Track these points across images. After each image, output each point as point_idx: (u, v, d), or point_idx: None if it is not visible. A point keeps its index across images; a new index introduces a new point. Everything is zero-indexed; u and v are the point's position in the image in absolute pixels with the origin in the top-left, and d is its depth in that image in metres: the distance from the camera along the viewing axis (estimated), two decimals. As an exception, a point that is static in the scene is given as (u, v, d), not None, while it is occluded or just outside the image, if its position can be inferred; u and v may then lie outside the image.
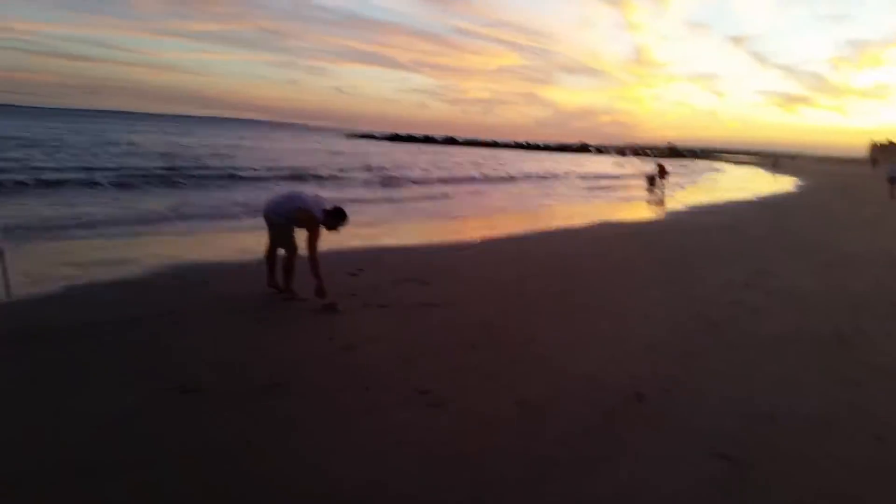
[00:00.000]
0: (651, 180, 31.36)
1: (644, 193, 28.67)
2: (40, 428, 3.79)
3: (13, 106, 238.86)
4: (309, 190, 7.97)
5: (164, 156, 30.77)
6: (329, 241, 7.22)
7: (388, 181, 26.73)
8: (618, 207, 21.86)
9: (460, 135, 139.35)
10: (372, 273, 8.54)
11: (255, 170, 26.51)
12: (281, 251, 7.14)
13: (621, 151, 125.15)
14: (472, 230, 13.87)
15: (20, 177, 17.45)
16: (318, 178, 26.09)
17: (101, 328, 5.64)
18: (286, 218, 6.89)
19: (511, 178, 34.91)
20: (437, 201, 20.86)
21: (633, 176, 43.06)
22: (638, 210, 21.27)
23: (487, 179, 32.84)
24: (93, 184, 18.15)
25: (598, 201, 24.22)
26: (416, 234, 12.83)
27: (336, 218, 6.88)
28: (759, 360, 5.68)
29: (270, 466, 3.45)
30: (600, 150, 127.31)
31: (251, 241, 9.85)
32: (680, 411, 4.41)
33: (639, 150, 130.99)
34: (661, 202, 24.10)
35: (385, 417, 4.07)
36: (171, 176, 21.17)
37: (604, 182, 37.54)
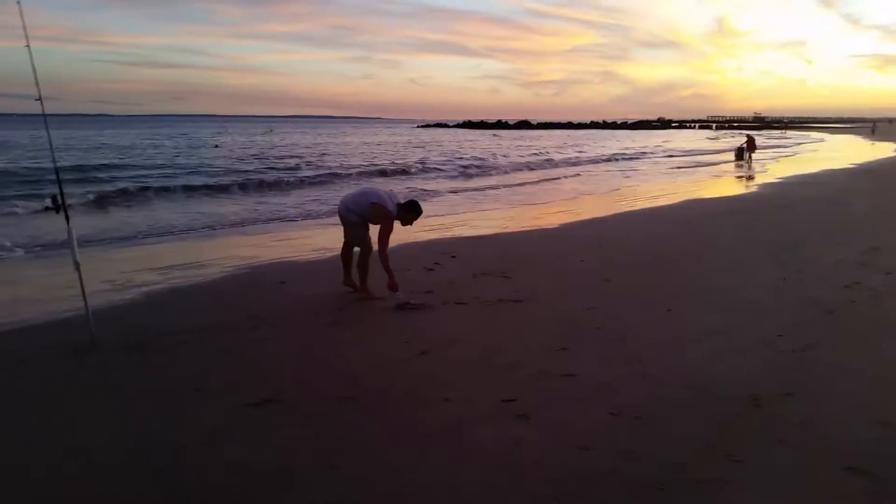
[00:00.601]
0: (739, 153, 30.04)
1: (732, 168, 27.37)
2: (113, 454, 3.61)
3: (107, 115, 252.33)
4: (382, 186, 7.75)
5: (246, 160, 31.42)
6: (406, 233, 6.94)
7: (463, 170, 26.30)
8: (705, 184, 20.74)
9: (534, 118, 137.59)
10: (449, 267, 8.20)
11: (332, 167, 26.58)
12: (356, 249, 6.93)
13: (706, 125, 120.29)
14: (552, 216, 13.32)
15: (107, 188, 17.94)
16: (389, 173, 25.89)
17: (179, 337, 5.52)
18: (359, 215, 6.65)
19: (590, 160, 33.88)
20: (512, 188, 20.34)
21: (720, 150, 41.17)
22: (727, 186, 20.15)
23: (565, 162, 31.94)
24: (174, 189, 18.59)
25: (684, 178, 23.09)
26: (492, 223, 12.42)
27: (409, 212, 6.62)
28: (890, 354, 4.98)
29: (346, 491, 3.14)
30: (683, 124, 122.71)
31: (328, 240, 9.70)
32: (804, 419, 3.82)
33: (724, 123, 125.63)
34: (750, 176, 22.93)
35: (466, 433, 3.69)
36: (254, 179, 21.37)
37: (689, 158, 35.99)
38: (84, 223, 12.58)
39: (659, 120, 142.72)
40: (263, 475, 3.28)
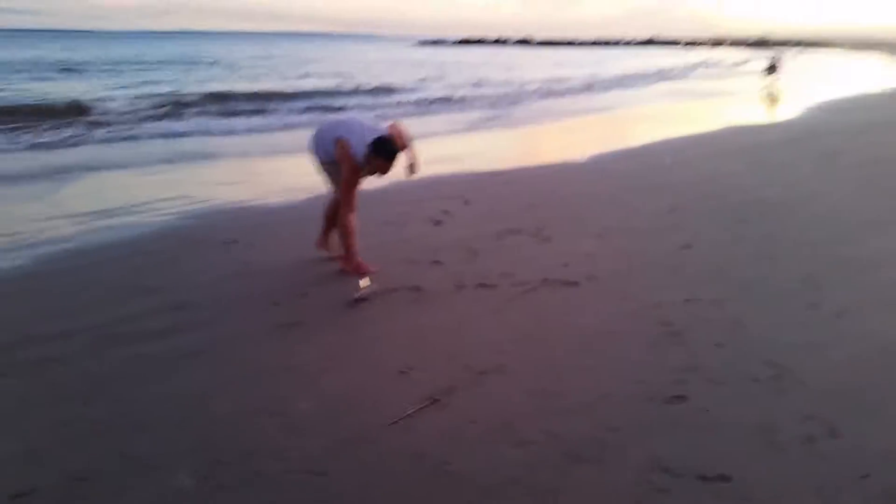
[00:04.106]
0: (770, 69, 27.53)
1: (757, 89, 24.83)
2: None
3: (93, 32, 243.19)
4: (368, 116, 5.45)
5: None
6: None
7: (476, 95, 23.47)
8: (738, 106, 18.27)
9: (532, 35, 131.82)
10: (463, 218, 6.05)
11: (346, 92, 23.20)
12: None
13: (716, 43, 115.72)
14: (575, 145, 10.95)
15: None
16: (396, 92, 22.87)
17: (41, 350, 3.44)
18: (328, 153, 4.43)
19: (610, 80, 30.95)
20: (530, 112, 17.85)
21: (735, 73, 38.41)
22: (765, 109, 17.71)
23: (584, 85, 29.08)
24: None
25: (710, 99, 20.62)
26: (508, 153, 10.15)
27: (375, 154, 4.24)
28: None
29: None
30: (690, 44, 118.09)
31: (310, 174, 7.50)
32: None
33: (730, 44, 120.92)
34: (775, 97, 20.65)
35: None
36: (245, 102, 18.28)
37: (704, 79, 33.24)
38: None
39: (651, 40, 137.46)
40: None
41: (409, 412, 2.75)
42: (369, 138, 4.27)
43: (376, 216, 5.91)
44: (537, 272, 4.51)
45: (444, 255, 4.93)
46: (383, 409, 2.81)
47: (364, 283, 4.22)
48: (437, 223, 5.88)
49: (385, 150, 4.24)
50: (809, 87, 25.82)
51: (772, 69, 27.27)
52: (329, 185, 4.71)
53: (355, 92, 20.10)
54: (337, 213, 4.68)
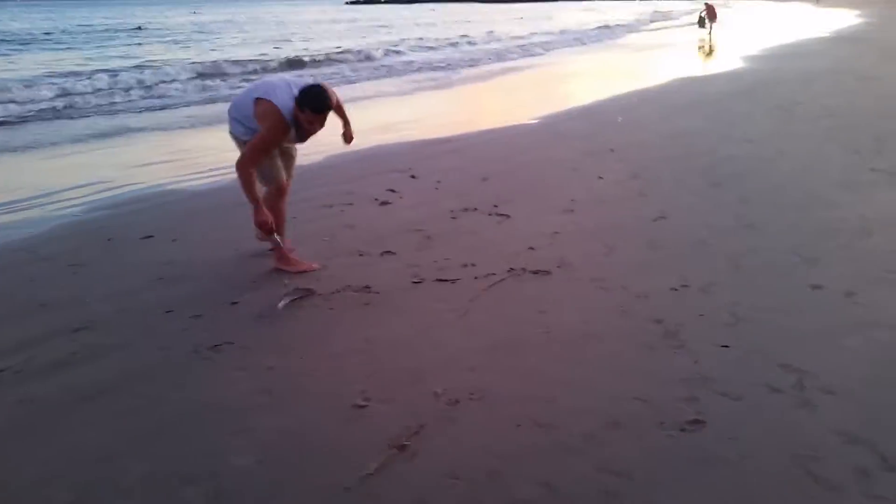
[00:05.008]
0: (701, 22, 27.43)
1: (695, 40, 24.73)
2: None
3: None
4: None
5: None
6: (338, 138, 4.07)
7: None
8: (679, 59, 17.99)
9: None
10: (412, 195, 5.46)
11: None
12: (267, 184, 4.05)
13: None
14: (520, 107, 10.39)
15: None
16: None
17: None
18: (248, 126, 3.74)
19: (554, 35, 30.32)
20: (475, 72, 17.15)
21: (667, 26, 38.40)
22: (706, 60, 17.48)
23: (527, 42, 28.38)
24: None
25: (648, 53, 20.30)
26: (452, 119, 9.51)
27: (305, 105, 3.55)
28: None
29: None
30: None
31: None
32: None
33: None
34: (711, 47, 20.65)
35: None
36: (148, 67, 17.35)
37: (636, 32, 33.04)
38: None
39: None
40: None
41: (370, 470, 2.19)
42: (297, 92, 3.61)
43: (313, 198, 5.27)
44: (502, 260, 3.97)
45: (395, 242, 4.35)
46: (339, 462, 2.25)
47: (272, 241, 3.79)
48: (384, 203, 5.28)
49: (316, 99, 3.56)
50: (746, 35, 25.81)
51: (701, 21, 27.11)
52: (256, 172, 4.01)
53: (297, 61, 18.68)
54: (276, 204, 4.00)
